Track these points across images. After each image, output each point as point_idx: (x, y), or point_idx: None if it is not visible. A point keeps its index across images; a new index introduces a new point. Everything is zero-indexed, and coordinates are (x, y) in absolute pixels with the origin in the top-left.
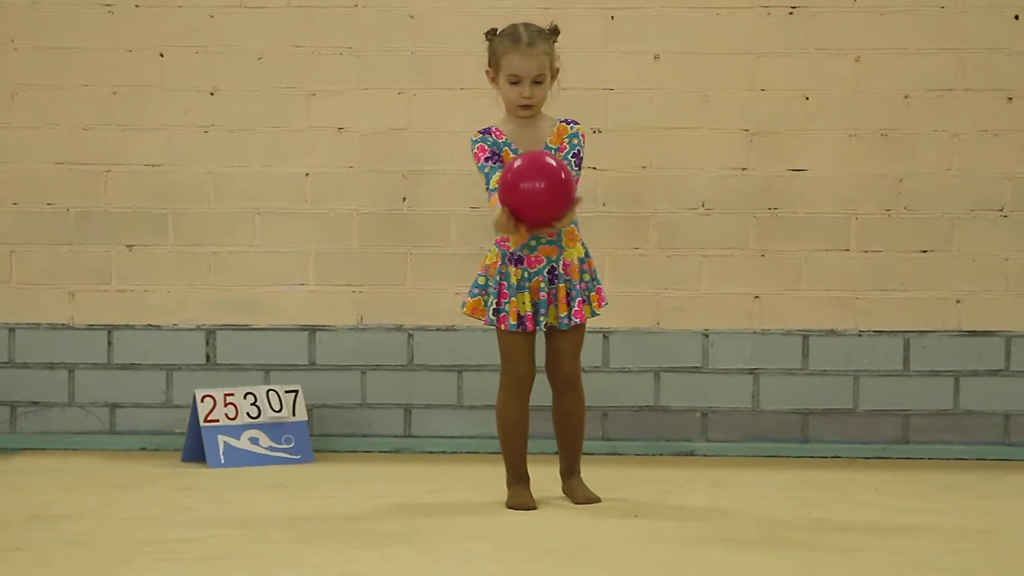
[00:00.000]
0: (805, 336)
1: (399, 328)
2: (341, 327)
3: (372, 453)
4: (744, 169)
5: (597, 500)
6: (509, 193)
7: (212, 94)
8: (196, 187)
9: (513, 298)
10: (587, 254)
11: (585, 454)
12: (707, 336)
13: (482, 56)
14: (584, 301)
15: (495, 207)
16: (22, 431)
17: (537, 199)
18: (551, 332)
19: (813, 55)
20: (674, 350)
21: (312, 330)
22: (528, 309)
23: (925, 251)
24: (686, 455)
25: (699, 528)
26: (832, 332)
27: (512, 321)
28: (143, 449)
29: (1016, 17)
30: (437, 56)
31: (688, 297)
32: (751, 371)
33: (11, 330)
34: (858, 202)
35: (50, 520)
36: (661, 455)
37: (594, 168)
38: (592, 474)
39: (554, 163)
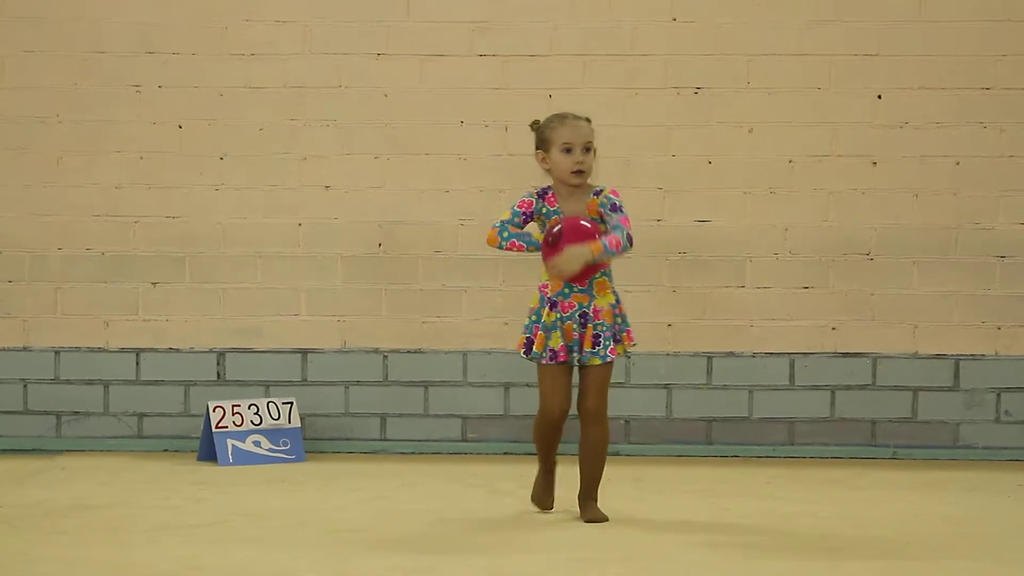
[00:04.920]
0: (709, 357)
1: (376, 351)
2: (328, 350)
3: (354, 454)
4: (659, 220)
5: (605, 519)
6: (553, 251)
7: (221, 159)
8: (208, 235)
9: (542, 333)
10: (618, 300)
11: (530, 455)
12: (629, 357)
13: (441, 128)
14: (617, 341)
15: (494, 237)
16: (66, 436)
17: None
18: (582, 369)
19: (715, 127)
20: None
21: (304, 352)
22: (558, 343)
23: (806, 287)
24: (612, 455)
25: (623, 514)
26: (731, 354)
27: (536, 350)
28: (165, 451)
29: (879, 97)
30: (406, 128)
31: None
32: (665, 386)
33: (57, 352)
34: (752, 247)
35: (89, 509)
36: None
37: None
38: (534, 473)
39: (588, 226)
